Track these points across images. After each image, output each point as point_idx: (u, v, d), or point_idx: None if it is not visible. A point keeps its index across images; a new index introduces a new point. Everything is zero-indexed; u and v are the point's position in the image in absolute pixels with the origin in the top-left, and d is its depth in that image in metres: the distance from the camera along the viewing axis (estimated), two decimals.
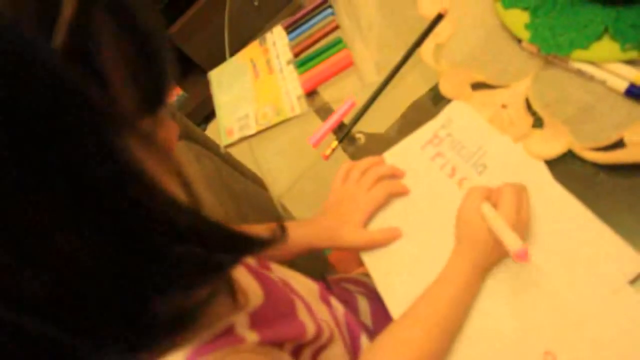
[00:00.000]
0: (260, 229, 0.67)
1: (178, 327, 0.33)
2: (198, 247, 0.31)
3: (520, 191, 0.54)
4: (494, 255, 0.54)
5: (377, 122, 0.73)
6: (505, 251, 0.53)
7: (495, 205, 0.54)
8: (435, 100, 0.68)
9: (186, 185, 0.31)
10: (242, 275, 0.49)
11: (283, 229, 0.41)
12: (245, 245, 0.35)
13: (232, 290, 0.39)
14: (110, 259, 0.27)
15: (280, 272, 0.59)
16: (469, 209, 0.55)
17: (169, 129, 0.34)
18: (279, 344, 0.46)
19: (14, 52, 0.22)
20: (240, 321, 0.42)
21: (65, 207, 0.24)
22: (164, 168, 0.30)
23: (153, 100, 0.31)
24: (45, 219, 0.24)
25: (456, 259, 0.55)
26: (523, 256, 0.47)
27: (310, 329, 0.50)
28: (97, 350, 0.29)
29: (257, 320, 0.43)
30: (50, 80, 0.23)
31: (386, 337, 0.54)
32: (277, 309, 0.49)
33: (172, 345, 0.34)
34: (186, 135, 1.20)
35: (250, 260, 0.54)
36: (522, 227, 0.53)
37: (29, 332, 0.26)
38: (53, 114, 0.23)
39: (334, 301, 0.61)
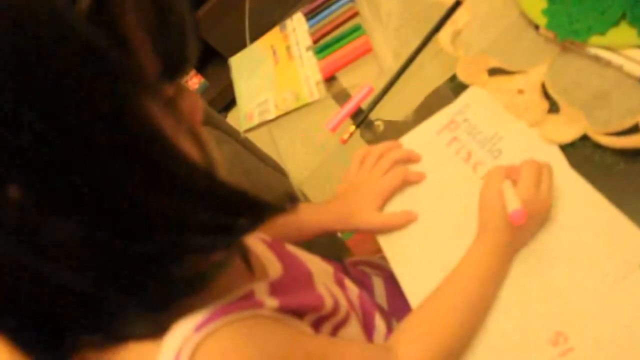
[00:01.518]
0: None
1: (193, 288, 0.34)
2: (214, 210, 0.32)
3: (541, 167, 0.55)
4: (518, 240, 0.55)
5: (396, 109, 0.74)
6: (527, 238, 0.54)
7: (515, 182, 0.54)
8: (455, 89, 0.69)
9: (204, 151, 0.33)
10: (261, 249, 0.50)
11: (294, 199, 0.42)
12: (260, 209, 0.35)
13: (247, 260, 0.40)
14: (130, 215, 0.29)
15: (296, 253, 0.60)
16: (490, 192, 0.55)
17: (191, 101, 0.35)
18: (299, 314, 0.46)
19: (40, 15, 0.24)
20: (260, 288, 0.42)
21: (91, 160, 0.26)
22: (184, 134, 0.32)
23: (174, 67, 0.32)
24: (66, 170, 0.26)
25: (479, 243, 0.55)
26: (517, 217, 0.48)
27: (328, 301, 0.51)
28: (121, 305, 0.32)
29: (276, 289, 0.44)
30: (74, 41, 0.24)
31: (414, 319, 0.55)
32: (295, 280, 0.50)
33: (190, 306, 0.36)
34: (206, 121, 1.22)
35: (267, 239, 0.56)
36: (542, 203, 0.53)
37: (60, 281, 0.29)
38: (77, 74, 0.25)
39: (349, 283, 0.62)
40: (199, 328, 0.35)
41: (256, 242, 0.52)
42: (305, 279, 0.53)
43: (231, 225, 0.34)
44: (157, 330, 0.35)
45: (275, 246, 0.53)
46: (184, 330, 0.35)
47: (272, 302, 0.42)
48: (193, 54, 0.32)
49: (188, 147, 0.32)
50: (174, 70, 0.32)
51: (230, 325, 0.37)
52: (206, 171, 0.32)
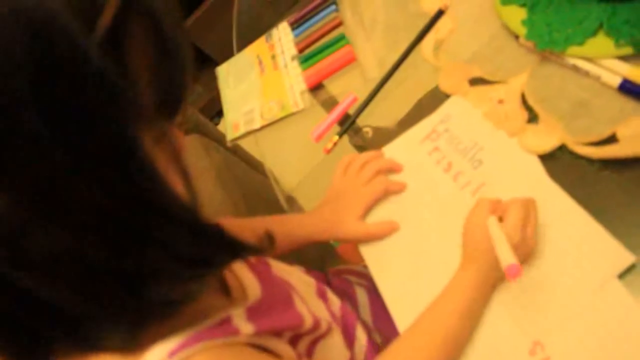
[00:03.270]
0: (259, 223, 0.69)
1: (166, 312, 0.35)
2: (193, 243, 0.34)
3: (528, 206, 0.53)
4: (500, 271, 0.53)
5: (385, 116, 0.74)
6: None
7: (501, 219, 0.53)
8: (438, 99, 0.69)
9: (189, 186, 0.34)
10: (242, 270, 0.50)
11: (271, 240, 0.43)
12: (236, 248, 0.37)
13: (226, 287, 0.41)
14: (111, 235, 0.29)
15: (278, 269, 0.60)
16: (476, 223, 0.54)
17: (180, 139, 0.36)
18: (276, 333, 0.47)
19: (57, 38, 0.25)
20: (237, 314, 0.43)
21: (76, 179, 0.27)
22: (173, 169, 0.33)
23: (170, 105, 0.33)
24: (59, 185, 0.27)
25: (463, 272, 0.55)
26: (513, 273, 0.47)
27: (308, 320, 0.51)
28: (96, 320, 0.32)
29: (254, 313, 0.44)
30: (85, 66, 0.26)
31: (393, 350, 0.54)
32: (274, 300, 0.50)
33: (167, 327, 0.37)
34: (196, 129, 1.22)
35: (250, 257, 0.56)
36: (528, 244, 0.53)
37: (33, 292, 0.29)
38: (83, 95, 0.26)
39: (330, 295, 0.62)
40: (172, 354, 0.36)
41: (238, 262, 0.52)
42: (284, 299, 0.53)
43: (209, 258, 0.35)
44: (131, 344, 0.36)
45: (256, 266, 0.54)
46: (158, 355, 0.36)
47: (248, 328, 0.42)
48: (189, 95, 0.34)
49: (175, 182, 0.33)
50: (169, 108, 0.33)
51: (204, 352, 0.38)
52: (189, 206, 0.33)
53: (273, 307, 0.49)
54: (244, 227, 0.66)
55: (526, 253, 0.53)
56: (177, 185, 0.33)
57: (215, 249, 0.36)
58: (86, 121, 0.26)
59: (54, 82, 0.25)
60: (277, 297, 0.52)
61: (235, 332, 0.41)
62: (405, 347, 0.54)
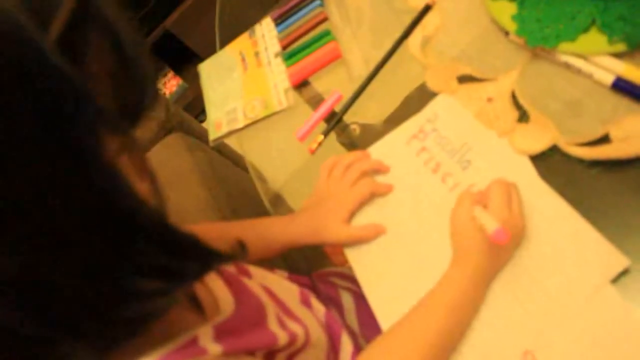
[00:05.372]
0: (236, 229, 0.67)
1: (131, 335, 0.33)
2: (162, 252, 0.32)
3: (508, 186, 0.53)
4: (493, 265, 0.52)
5: (372, 114, 0.72)
6: (505, 260, 0.52)
7: (485, 207, 0.52)
8: (426, 96, 0.67)
9: (157, 194, 0.33)
10: (216, 284, 0.49)
11: (243, 247, 0.42)
12: (209, 256, 0.36)
13: (197, 303, 0.39)
14: (66, 252, 0.28)
15: (261, 277, 0.59)
16: (461, 218, 0.53)
17: (143, 146, 0.35)
18: (248, 352, 0.45)
19: (14, 40, 0.24)
20: (205, 333, 0.41)
21: (41, 194, 0.25)
22: (138, 175, 0.32)
23: (131, 112, 0.32)
24: (23, 203, 0.25)
25: (453, 270, 0.53)
26: (500, 237, 0.46)
27: (282, 338, 0.50)
28: (57, 345, 0.30)
29: (223, 332, 0.43)
30: (40, 65, 0.25)
31: (378, 347, 0.52)
32: (246, 320, 0.48)
33: (136, 347, 0.35)
34: (181, 127, 1.20)
35: (229, 267, 0.54)
36: (516, 222, 0.52)
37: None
38: (37, 96, 0.24)
39: (315, 302, 0.60)
40: None
41: (213, 274, 0.50)
42: (257, 316, 0.51)
43: (177, 270, 0.34)
44: None
45: (232, 279, 0.52)
46: None
47: (215, 349, 0.41)
48: (151, 103, 0.33)
49: (142, 189, 0.31)
50: (132, 116, 0.32)
51: None
52: (157, 213, 0.32)
53: (245, 326, 0.47)
54: (221, 233, 0.64)
55: (516, 231, 0.52)
56: (145, 195, 0.31)
57: (185, 258, 0.34)
58: (43, 124, 0.25)
59: (6, 79, 0.23)
60: (250, 314, 0.50)
61: (202, 352, 0.40)
62: (392, 342, 0.52)
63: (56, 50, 0.25)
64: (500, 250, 0.51)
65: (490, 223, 0.49)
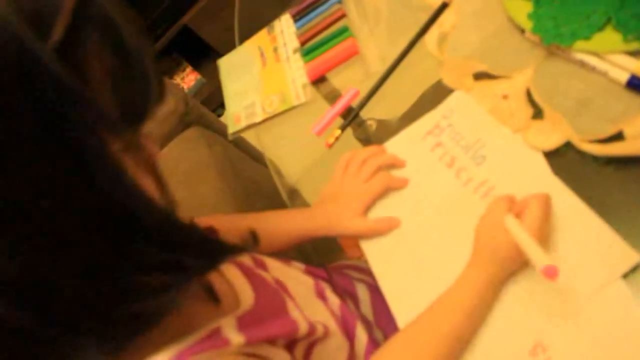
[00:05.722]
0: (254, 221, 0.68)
1: (144, 326, 0.34)
2: (170, 249, 0.33)
3: (549, 204, 0.53)
4: (512, 269, 0.53)
5: (388, 110, 0.73)
6: (523, 263, 0.53)
7: (518, 216, 0.52)
8: (442, 93, 0.68)
9: (164, 191, 0.33)
10: (235, 277, 0.50)
11: (255, 237, 0.42)
12: (217, 251, 0.36)
13: (215, 296, 0.40)
14: (71, 251, 0.28)
15: (277, 271, 0.60)
16: (492, 222, 0.53)
17: (150, 144, 0.35)
18: (270, 341, 0.46)
19: (12, 49, 0.24)
20: (228, 324, 0.42)
21: (41, 194, 0.26)
22: (145, 175, 0.32)
23: (134, 114, 0.32)
24: (23, 204, 0.26)
25: (472, 270, 0.54)
26: (552, 273, 0.45)
27: (303, 326, 0.51)
28: (70, 343, 0.31)
29: (245, 322, 0.44)
30: (40, 73, 0.25)
31: (394, 345, 0.53)
32: (267, 309, 0.49)
33: (154, 342, 0.36)
34: (199, 121, 1.22)
35: (246, 260, 0.55)
36: (543, 241, 0.51)
37: (6, 320, 0.28)
38: (39, 103, 0.25)
39: (330, 294, 0.62)
40: None
41: (232, 267, 0.51)
42: (278, 305, 0.52)
43: (186, 265, 0.34)
44: None
45: (251, 271, 0.53)
46: None
47: (238, 339, 0.42)
48: (153, 104, 0.33)
49: (148, 187, 0.32)
50: (134, 117, 0.33)
51: None
52: (164, 210, 0.33)
53: (266, 316, 0.48)
54: (233, 224, 0.66)
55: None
56: (151, 192, 0.32)
57: (190, 254, 0.35)
58: (45, 130, 0.25)
59: (6, 88, 0.24)
60: (270, 304, 0.51)
61: (226, 343, 0.40)
62: (407, 340, 0.53)
63: (55, 58, 0.26)
64: (516, 261, 0.52)
65: (539, 257, 0.47)
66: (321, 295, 0.60)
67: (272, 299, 0.52)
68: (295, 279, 0.57)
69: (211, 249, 0.36)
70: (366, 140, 0.73)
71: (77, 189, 0.27)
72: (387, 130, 0.71)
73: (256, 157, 1.24)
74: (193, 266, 0.35)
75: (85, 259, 0.29)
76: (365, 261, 0.75)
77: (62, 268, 0.28)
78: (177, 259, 0.33)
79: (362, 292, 0.71)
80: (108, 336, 0.33)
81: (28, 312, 0.29)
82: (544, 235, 0.51)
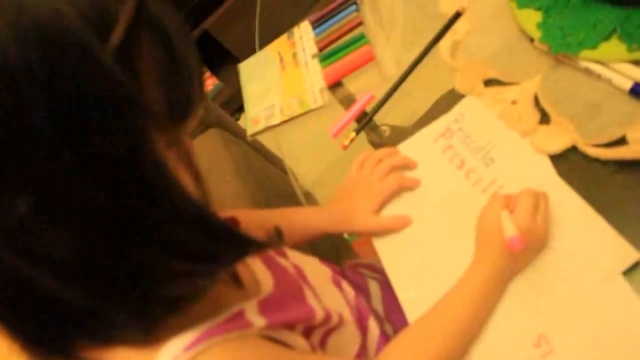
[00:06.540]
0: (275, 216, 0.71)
1: (176, 308, 0.37)
2: (203, 240, 0.35)
3: (538, 196, 0.56)
4: (510, 267, 0.56)
5: (402, 115, 0.76)
6: (523, 264, 0.56)
7: (512, 211, 0.55)
8: (454, 99, 0.71)
9: (201, 186, 0.36)
10: (255, 264, 0.52)
11: (280, 234, 0.45)
12: (245, 244, 0.38)
13: (239, 281, 0.42)
14: (124, 235, 0.31)
15: (296, 258, 0.62)
16: (488, 218, 0.57)
17: (188, 141, 0.38)
18: (289, 326, 0.49)
19: (74, 54, 0.27)
20: (250, 307, 0.45)
21: (97, 181, 0.29)
22: (184, 169, 0.35)
23: (180, 110, 0.35)
24: (80, 189, 0.28)
25: (476, 265, 0.57)
26: (514, 244, 0.50)
27: (319, 313, 0.53)
28: (108, 316, 0.34)
29: (266, 307, 0.46)
30: (99, 73, 0.27)
31: (403, 340, 0.56)
32: (286, 295, 0.52)
33: (181, 321, 0.39)
34: (218, 123, 1.25)
35: None
36: (538, 232, 0.54)
37: (47, 289, 0.31)
38: (98, 101, 0.28)
39: (345, 285, 0.64)
40: (188, 348, 0.38)
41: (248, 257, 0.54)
42: (296, 292, 0.54)
43: (217, 255, 0.37)
44: (147, 339, 0.38)
45: (270, 259, 0.55)
46: (174, 350, 0.38)
47: (260, 321, 0.44)
48: (198, 102, 0.36)
49: (186, 180, 0.35)
50: (180, 115, 0.35)
51: (219, 346, 0.39)
52: (200, 203, 0.35)
53: (285, 301, 0.51)
54: (259, 219, 0.69)
55: (536, 241, 0.55)
56: (189, 186, 0.35)
57: (224, 246, 0.37)
58: (102, 126, 0.28)
59: (67, 90, 0.26)
60: (289, 290, 0.54)
61: (248, 325, 0.43)
62: (416, 335, 0.56)
63: (113, 60, 0.28)
64: (520, 254, 0.54)
65: (509, 229, 0.53)
66: (337, 284, 0.62)
67: (291, 285, 0.55)
68: (312, 266, 0.60)
69: (241, 242, 0.38)
70: (379, 144, 0.76)
71: (128, 184, 0.30)
72: (400, 136, 0.74)
73: (272, 159, 1.28)
74: (224, 256, 0.38)
75: (132, 245, 0.32)
76: (377, 260, 0.78)
77: (113, 252, 0.31)
78: (210, 249, 0.36)
79: (374, 288, 0.74)
80: (146, 314, 0.36)
81: (77, 288, 0.32)
82: (537, 229, 0.54)
